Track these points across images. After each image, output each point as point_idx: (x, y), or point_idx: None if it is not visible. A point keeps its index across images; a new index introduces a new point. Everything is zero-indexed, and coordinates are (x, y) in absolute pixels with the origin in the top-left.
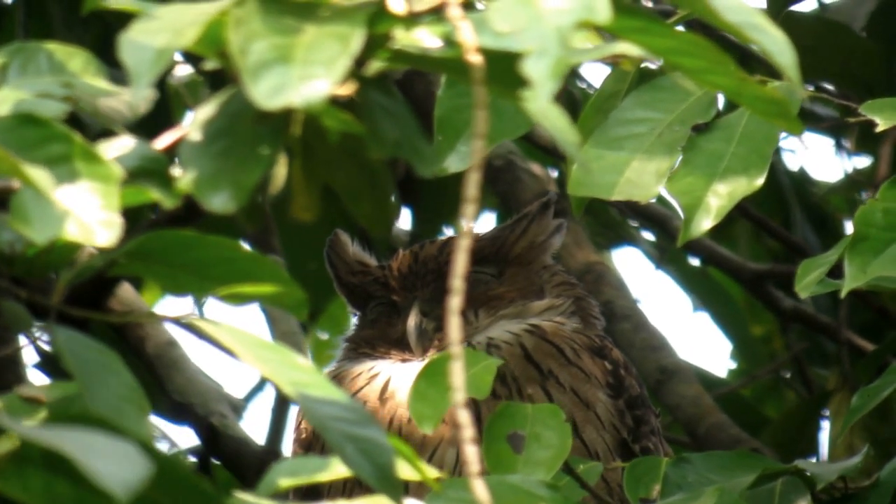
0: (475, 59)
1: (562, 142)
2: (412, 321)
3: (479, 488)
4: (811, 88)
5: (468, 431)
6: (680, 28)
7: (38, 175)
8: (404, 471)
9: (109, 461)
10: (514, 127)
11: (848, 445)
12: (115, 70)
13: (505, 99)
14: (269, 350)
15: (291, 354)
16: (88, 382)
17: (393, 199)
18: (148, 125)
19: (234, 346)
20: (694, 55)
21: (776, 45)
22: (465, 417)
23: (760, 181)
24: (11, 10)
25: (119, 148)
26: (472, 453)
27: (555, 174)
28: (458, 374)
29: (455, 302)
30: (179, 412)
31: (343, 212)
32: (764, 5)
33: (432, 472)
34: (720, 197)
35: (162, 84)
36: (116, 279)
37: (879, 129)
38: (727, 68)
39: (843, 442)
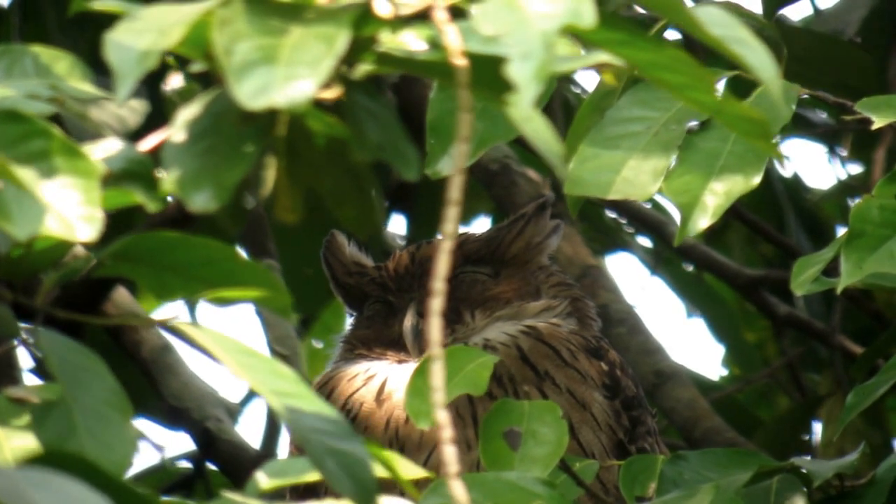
0: (460, 62)
1: (544, 151)
2: (408, 322)
3: (458, 489)
4: (806, 95)
5: (448, 432)
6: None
7: (24, 174)
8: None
9: None
10: (507, 130)
11: (839, 450)
12: (106, 78)
13: (490, 103)
14: (253, 358)
15: (276, 363)
16: (72, 385)
17: (378, 202)
18: (144, 134)
19: (218, 352)
20: (675, 70)
21: (759, 60)
22: (445, 418)
23: (757, 179)
24: (7, 13)
25: (104, 150)
26: (450, 454)
27: (550, 180)
28: (438, 375)
29: (437, 303)
30: (175, 417)
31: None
32: (760, 8)
33: (414, 473)
34: (717, 196)
35: (157, 93)
36: (111, 283)
37: (875, 126)
38: (708, 85)
39: (834, 446)
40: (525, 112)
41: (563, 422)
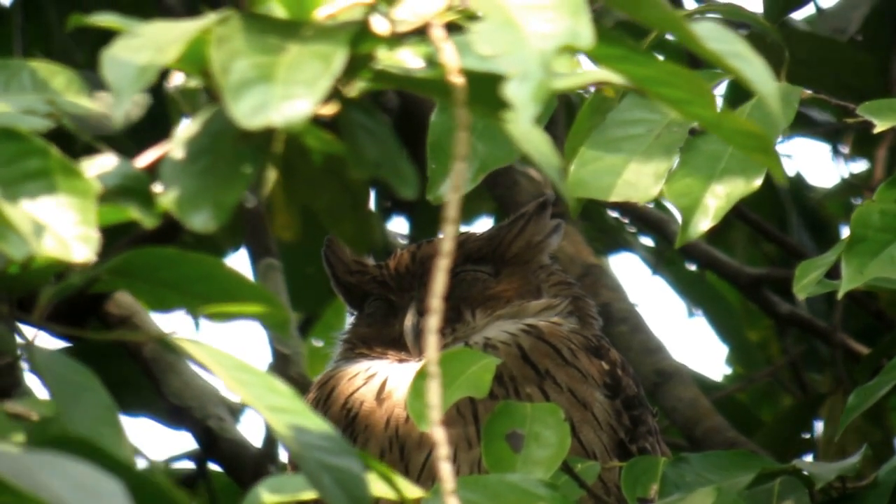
0: (458, 80)
1: (544, 167)
2: (409, 321)
3: None
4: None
5: (444, 450)
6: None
7: (19, 216)
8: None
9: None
10: (508, 153)
11: (840, 448)
12: None
13: (488, 120)
14: (249, 373)
15: (271, 379)
16: (65, 402)
17: (374, 218)
18: (146, 132)
19: (214, 367)
20: (674, 85)
21: (758, 75)
22: (441, 436)
23: (758, 182)
24: (9, 13)
25: (100, 166)
26: (446, 471)
27: None
28: (434, 393)
29: (433, 322)
30: (177, 416)
31: None
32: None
33: (413, 492)
34: (718, 198)
35: (158, 91)
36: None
37: (877, 130)
38: (707, 99)
39: (835, 444)
40: (524, 130)
41: (565, 424)
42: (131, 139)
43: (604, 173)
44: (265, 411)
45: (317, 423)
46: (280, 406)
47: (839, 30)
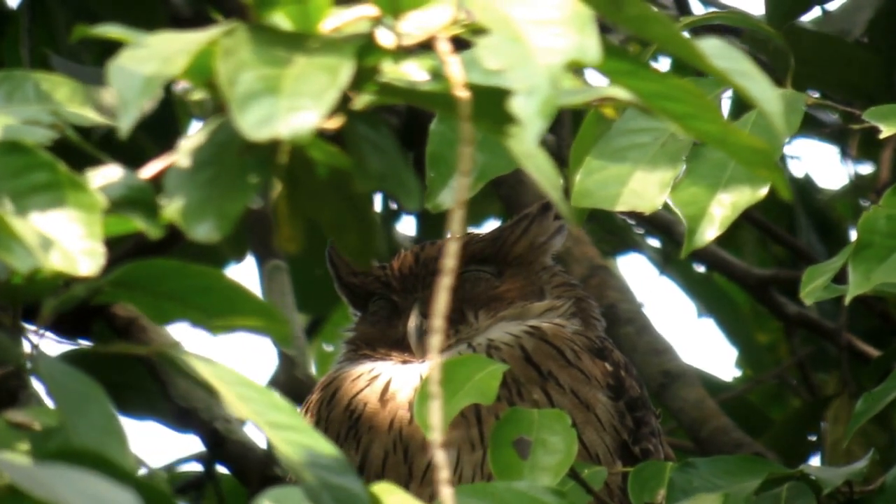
0: (463, 94)
1: (546, 187)
2: (412, 323)
3: None
4: (816, 95)
5: (445, 473)
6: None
7: (24, 227)
8: None
9: None
10: (508, 162)
11: (845, 451)
12: None
13: (492, 135)
14: (250, 389)
15: (273, 394)
16: (69, 412)
17: (379, 229)
18: (154, 131)
19: (216, 383)
20: (680, 100)
21: (764, 92)
22: (442, 459)
23: (764, 191)
24: (16, 15)
25: (105, 177)
26: (447, 494)
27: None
28: (436, 414)
29: (436, 340)
30: (183, 418)
31: None
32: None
33: None
34: (724, 207)
35: (166, 89)
36: None
37: (883, 135)
38: (713, 115)
39: (841, 446)
40: (528, 147)
41: (572, 430)
42: (140, 136)
43: (609, 183)
44: (266, 427)
45: (318, 441)
46: (281, 423)
47: (844, 32)
